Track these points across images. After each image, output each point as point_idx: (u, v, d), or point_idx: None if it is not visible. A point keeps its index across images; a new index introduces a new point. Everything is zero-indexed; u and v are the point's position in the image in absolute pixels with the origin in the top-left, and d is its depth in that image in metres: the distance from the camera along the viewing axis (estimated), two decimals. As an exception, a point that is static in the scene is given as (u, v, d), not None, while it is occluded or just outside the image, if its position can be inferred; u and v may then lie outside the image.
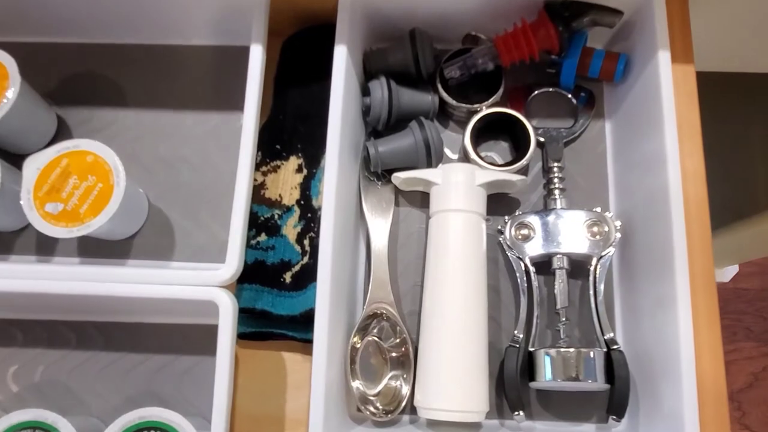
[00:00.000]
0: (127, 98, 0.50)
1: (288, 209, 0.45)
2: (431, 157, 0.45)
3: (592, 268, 0.43)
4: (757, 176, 0.83)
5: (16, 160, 0.45)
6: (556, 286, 0.43)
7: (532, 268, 0.43)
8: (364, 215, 0.46)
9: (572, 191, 0.47)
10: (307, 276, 0.43)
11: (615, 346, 0.40)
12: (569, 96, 0.48)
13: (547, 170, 0.47)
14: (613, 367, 0.40)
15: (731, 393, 1.19)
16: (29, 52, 0.50)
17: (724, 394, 0.40)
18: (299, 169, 0.46)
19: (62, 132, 0.49)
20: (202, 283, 0.39)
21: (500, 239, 0.45)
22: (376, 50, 0.48)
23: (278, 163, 0.47)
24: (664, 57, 0.42)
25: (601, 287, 0.42)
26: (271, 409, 0.44)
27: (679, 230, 0.39)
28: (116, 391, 0.44)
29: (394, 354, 0.43)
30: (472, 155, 0.45)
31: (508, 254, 0.44)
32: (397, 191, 0.47)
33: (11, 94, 0.43)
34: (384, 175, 0.47)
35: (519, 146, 0.47)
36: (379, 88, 0.45)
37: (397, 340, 0.43)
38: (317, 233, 0.42)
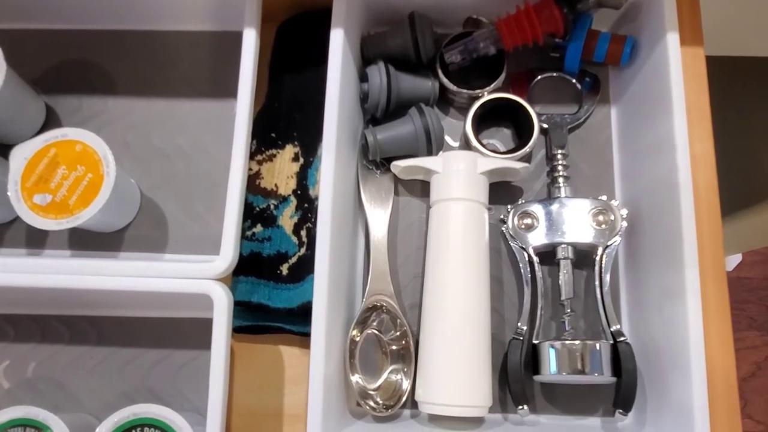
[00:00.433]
0: (117, 86, 0.49)
1: (284, 199, 0.44)
2: (431, 144, 0.43)
3: (597, 258, 0.41)
4: (762, 165, 0.82)
5: (3, 150, 0.43)
6: (560, 277, 0.42)
7: (535, 259, 0.42)
8: (363, 205, 0.44)
9: (577, 179, 0.45)
10: (305, 268, 0.42)
11: (621, 338, 0.39)
12: (573, 81, 0.47)
13: (550, 157, 0.45)
14: (620, 359, 0.38)
15: (734, 382, 1.18)
16: (16, 38, 0.49)
17: (734, 387, 0.39)
18: (295, 158, 0.45)
19: (51, 121, 0.48)
20: (195, 275, 0.38)
21: (503, 229, 0.44)
22: (374, 35, 0.46)
23: (274, 151, 0.45)
24: (673, 39, 0.41)
25: (607, 278, 0.41)
26: (268, 403, 0.43)
27: (689, 217, 0.37)
28: (110, 387, 0.43)
29: (394, 347, 0.42)
30: (474, 142, 0.44)
31: (511, 244, 0.43)
32: (397, 180, 0.46)
33: (-3, 82, 0.41)
34: (383, 163, 0.45)
35: (522, 133, 0.46)
36: (378, 73, 0.44)
37: (397, 333, 0.42)
38: (314, 224, 0.41)
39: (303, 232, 0.43)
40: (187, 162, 0.47)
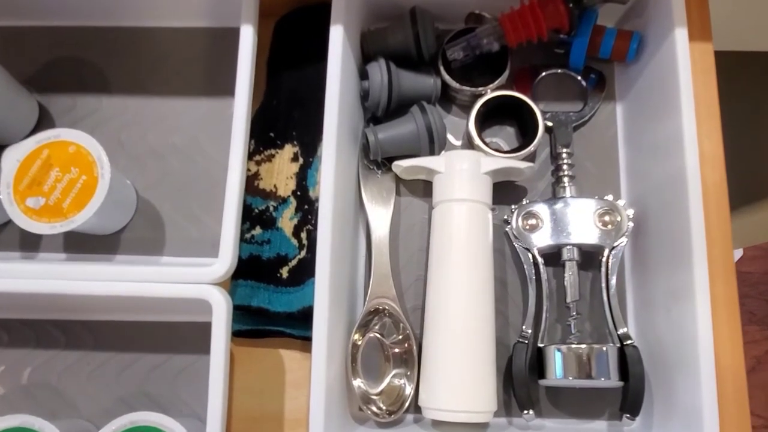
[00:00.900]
0: (112, 84, 0.47)
1: (283, 201, 0.43)
2: (434, 144, 0.42)
3: (603, 260, 0.41)
4: (765, 160, 0.81)
5: (-5, 151, 0.42)
6: (566, 279, 0.41)
7: (540, 260, 0.41)
8: (364, 205, 0.43)
9: (582, 178, 0.45)
10: (305, 271, 0.41)
11: (629, 341, 0.38)
12: (579, 78, 0.46)
13: (555, 156, 0.44)
14: (627, 363, 0.38)
15: (735, 377, 1.19)
16: (7, 36, 0.48)
17: (744, 390, 0.38)
18: (295, 158, 0.44)
19: (44, 121, 0.47)
20: (193, 280, 0.37)
21: (507, 229, 0.43)
22: (375, 30, 0.45)
23: (272, 151, 0.44)
24: (681, 34, 0.40)
25: (614, 280, 0.40)
26: (269, 408, 0.42)
27: (697, 217, 0.37)
28: (108, 393, 0.42)
29: (396, 350, 0.41)
30: (477, 141, 0.43)
31: (515, 245, 0.42)
32: (398, 180, 0.45)
33: (-13, 81, 0.40)
34: (384, 163, 0.44)
35: (526, 131, 0.45)
36: (378, 71, 0.43)
37: (400, 337, 0.41)
38: (315, 226, 0.40)
39: (303, 235, 0.42)
40: (183, 162, 0.46)
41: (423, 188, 0.45)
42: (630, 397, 0.38)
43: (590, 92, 0.46)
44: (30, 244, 0.44)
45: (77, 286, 0.37)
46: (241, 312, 0.41)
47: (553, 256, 0.42)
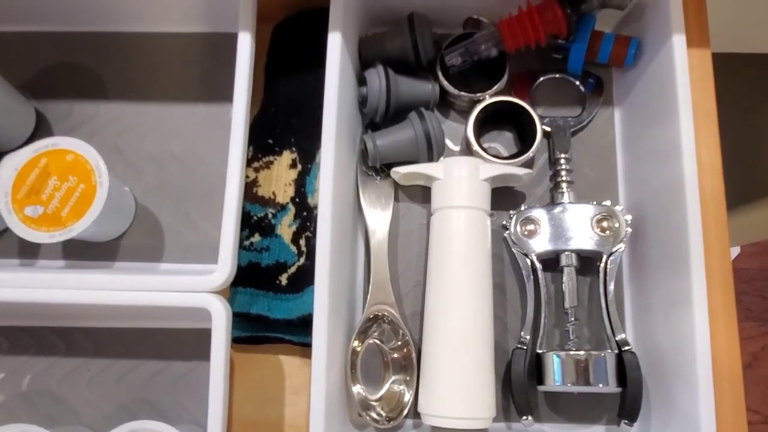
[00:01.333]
0: (109, 90, 0.47)
1: (282, 207, 0.43)
2: (432, 150, 0.42)
3: (601, 266, 0.41)
4: (763, 160, 0.81)
5: (-7, 159, 0.42)
6: (564, 285, 0.41)
7: (538, 265, 0.42)
8: (363, 211, 0.44)
9: (580, 183, 0.45)
10: (304, 278, 0.41)
11: (627, 347, 0.39)
12: (577, 83, 0.46)
13: (553, 162, 0.44)
14: (625, 369, 0.38)
15: (731, 374, 1.20)
16: (3, 41, 0.48)
17: (741, 398, 0.38)
18: (293, 165, 0.44)
19: (41, 127, 0.47)
20: (193, 289, 0.37)
21: (505, 235, 0.43)
22: (373, 36, 0.45)
23: (271, 158, 0.44)
24: (678, 40, 0.40)
25: (612, 286, 0.40)
26: (269, 414, 0.42)
27: (695, 224, 0.37)
28: (108, 400, 0.42)
29: (396, 355, 0.41)
30: (476, 147, 0.43)
31: (514, 251, 0.42)
32: (397, 186, 0.45)
33: (-17, 88, 0.40)
34: (383, 169, 0.44)
35: (524, 136, 0.45)
36: (377, 77, 0.43)
37: (399, 343, 0.41)
38: (314, 233, 0.40)
39: (302, 242, 0.42)
40: (181, 168, 0.46)
41: (422, 194, 0.45)
42: (628, 403, 0.38)
43: (588, 97, 0.46)
44: (28, 251, 0.44)
45: (76, 295, 0.37)
46: (240, 319, 0.41)
47: (551, 262, 0.43)
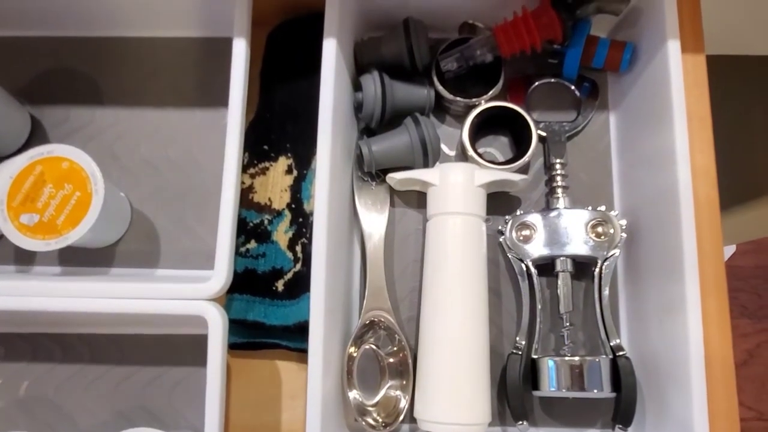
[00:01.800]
0: (104, 95, 0.47)
1: (278, 214, 0.43)
2: (428, 156, 0.42)
3: (596, 271, 0.41)
4: (757, 160, 0.82)
5: (-12, 165, 0.42)
6: (559, 290, 0.42)
7: (534, 270, 0.42)
8: (358, 216, 0.44)
9: (575, 187, 0.45)
10: (300, 284, 0.41)
11: (621, 353, 0.39)
12: (572, 87, 0.46)
13: (549, 167, 0.45)
14: (620, 374, 0.38)
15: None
16: (-3, 47, 0.48)
17: (735, 403, 0.39)
18: (289, 171, 0.44)
19: (37, 133, 0.47)
20: (189, 297, 0.37)
21: (501, 240, 0.43)
22: (368, 40, 0.45)
23: (266, 164, 0.44)
24: (673, 46, 0.40)
25: (606, 291, 0.41)
26: (266, 419, 0.42)
27: (689, 231, 0.37)
28: (105, 406, 0.42)
29: (392, 360, 0.41)
30: (471, 153, 0.43)
31: (509, 256, 0.43)
32: (392, 191, 0.45)
33: (-23, 95, 0.40)
34: (378, 174, 0.44)
35: (520, 141, 0.45)
36: (372, 83, 0.43)
37: (395, 348, 0.41)
38: (309, 239, 0.40)
39: (298, 248, 0.42)
40: (177, 173, 0.46)
41: (417, 199, 0.45)
42: (622, 408, 0.38)
43: (584, 101, 0.46)
44: (24, 257, 0.44)
45: (73, 303, 0.37)
46: (237, 325, 0.41)
47: (546, 267, 0.43)
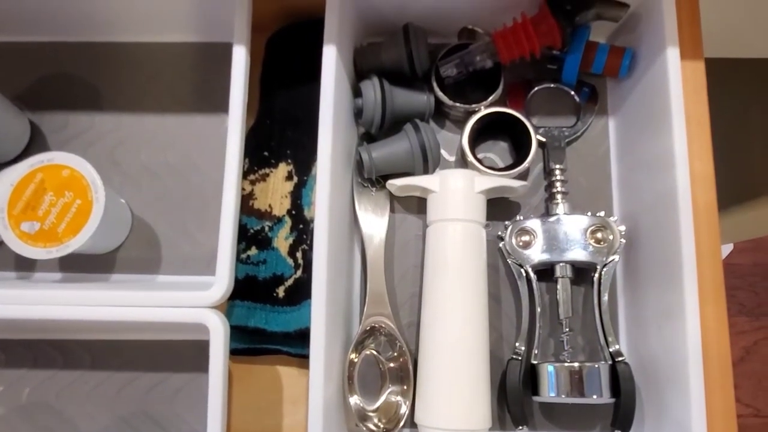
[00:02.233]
0: (104, 101, 0.47)
1: (279, 220, 0.43)
2: (428, 162, 0.43)
3: (596, 277, 0.41)
4: (755, 159, 0.82)
5: (-12, 172, 0.42)
6: (558, 296, 0.42)
7: (533, 276, 0.42)
8: (359, 222, 0.44)
9: (575, 192, 0.45)
10: (301, 291, 0.41)
11: (620, 358, 0.39)
12: (571, 92, 0.46)
13: (548, 172, 0.45)
14: (619, 379, 0.39)
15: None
16: (-4, 53, 0.48)
17: (732, 409, 0.39)
18: (289, 177, 0.44)
19: (36, 139, 0.47)
20: (190, 304, 0.37)
21: (500, 245, 0.43)
22: (368, 46, 0.45)
23: (267, 171, 0.44)
24: (672, 52, 0.40)
25: (605, 296, 0.41)
26: (267, 425, 0.42)
27: (688, 237, 0.37)
28: (107, 412, 0.42)
29: (392, 365, 0.42)
30: (471, 159, 0.43)
31: (509, 261, 0.43)
32: (392, 196, 0.45)
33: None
34: (378, 180, 0.45)
35: (519, 146, 0.45)
36: (372, 89, 0.43)
37: (396, 354, 0.42)
38: (310, 245, 0.40)
39: (299, 254, 0.42)
40: (177, 179, 0.46)
41: (417, 205, 0.45)
42: (621, 413, 0.38)
43: (583, 107, 0.46)
44: (25, 264, 0.44)
45: (74, 311, 0.37)
46: (238, 331, 0.42)
47: (546, 272, 0.43)
